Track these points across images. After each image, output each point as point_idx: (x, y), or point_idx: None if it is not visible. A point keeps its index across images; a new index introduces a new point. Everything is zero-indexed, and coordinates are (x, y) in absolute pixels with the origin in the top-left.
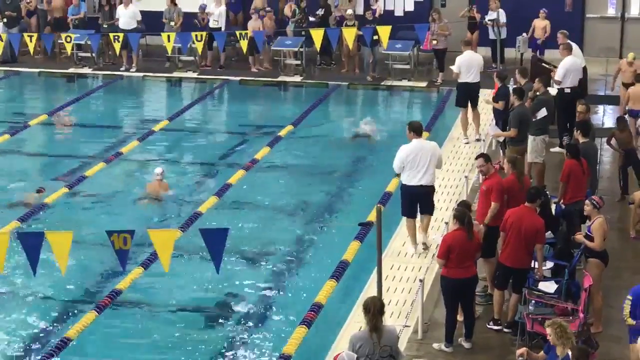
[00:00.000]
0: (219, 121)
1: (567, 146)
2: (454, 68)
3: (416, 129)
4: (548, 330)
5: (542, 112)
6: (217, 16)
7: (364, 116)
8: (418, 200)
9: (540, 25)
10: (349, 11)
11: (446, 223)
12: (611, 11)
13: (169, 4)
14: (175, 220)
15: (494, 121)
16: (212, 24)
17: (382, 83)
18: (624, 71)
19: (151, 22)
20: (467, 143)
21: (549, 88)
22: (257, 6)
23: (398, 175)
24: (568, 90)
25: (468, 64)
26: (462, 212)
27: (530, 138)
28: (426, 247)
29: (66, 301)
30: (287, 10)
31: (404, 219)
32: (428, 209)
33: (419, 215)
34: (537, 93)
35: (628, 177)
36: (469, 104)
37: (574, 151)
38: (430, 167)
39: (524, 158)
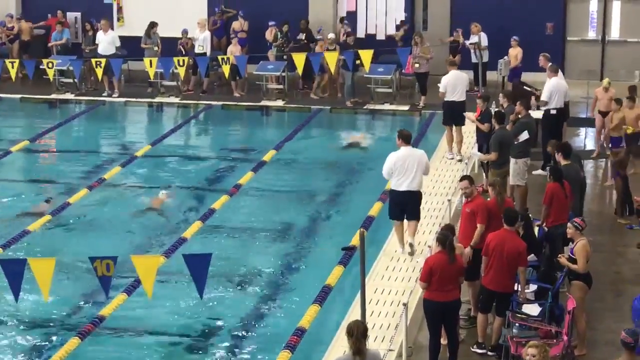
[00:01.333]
0: (202, 146)
1: (549, 169)
2: (440, 87)
3: (405, 137)
4: (531, 351)
5: (524, 135)
6: (202, 41)
7: (346, 140)
8: (405, 205)
9: (513, 53)
10: (330, 35)
11: (429, 246)
12: (592, 34)
13: (149, 29)
14: (159, 246)
15: (477, 145)
16: (197, 49)
17: (365, 107)
18: (600, 99)
19: (134, 47)
20: (452, 158)
21: (530, 111)
22: (235, 28)
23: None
24: (554, 112)
25: (453, 83)
26: (444, 235)
27: (512, 161)
28: (412, 252)
29: (49, 327)
30: (268, 35)
31: (392, 228)
32: (414, 214)
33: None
34: (519, 116)
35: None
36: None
37: (557, 174)
38: (417, 173)
39: (506, 181)
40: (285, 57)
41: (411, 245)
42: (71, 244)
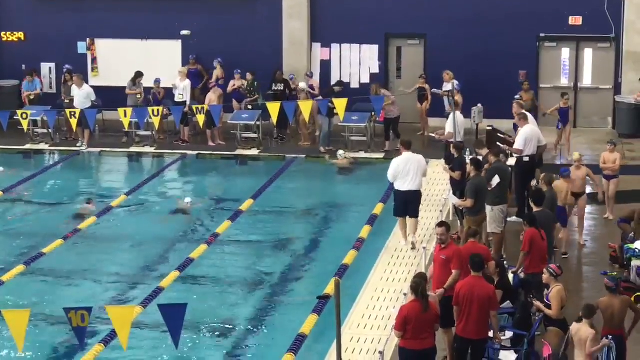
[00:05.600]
0: (178, 196)
1: (524, 215)
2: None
3: (406, 144)
4: None
5: (496, 180)
6: (182, 90)
7: (322, 188)
8: (408, 203)
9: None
10: (301, 84)
11: (405, 294)
12: (564, 81)
13: (136, 77)
14: (135, 296)
15: (452, 191)
16: (177, 98)
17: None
18: (573, 179)
19: (108, 97)
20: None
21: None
22: (218, 76)
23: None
24: (527, 159)
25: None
26: (417, 283)
27: (488, 208)
28: (414, 247)
29: None
30: (238, 84)
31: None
32: (414, 212)
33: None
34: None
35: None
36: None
37: (532, 219)
38: (418, 175)
39: (483, 228)
40: (254, 106)
41: (413, 243)
42: (46, 294)
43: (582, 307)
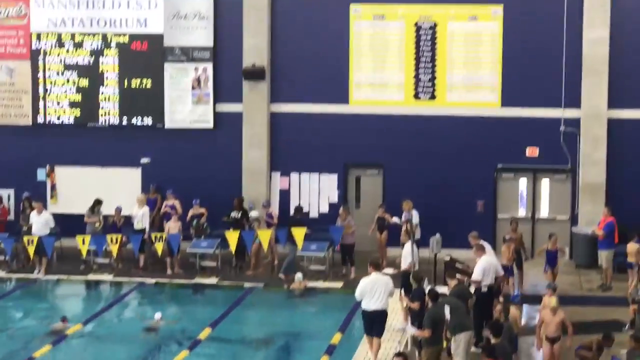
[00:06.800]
0: (135, 325)
1: (481, 346)
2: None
3: (374, 264)
4: None
5: (447, 311)
6: (141, 217)
7: (280, 317)
8: (374, 322)
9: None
10: (252, 214)
11: None
12: (522, 212)
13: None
14: None
15: (410, 320)
16: (136, 226)
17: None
18: (547, 323)
19: (67, 224)
20: None
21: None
22: (174, 206)
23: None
24: (485, 289)
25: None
26: None
27: (452, 339)
28: None
29: None
30: (189, 217)
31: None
32: (379, 332)
33: None
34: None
35: None
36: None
37: (490, 350)
38: (384, 295)
39: (439, 359)
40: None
41: None
42: None
43: None
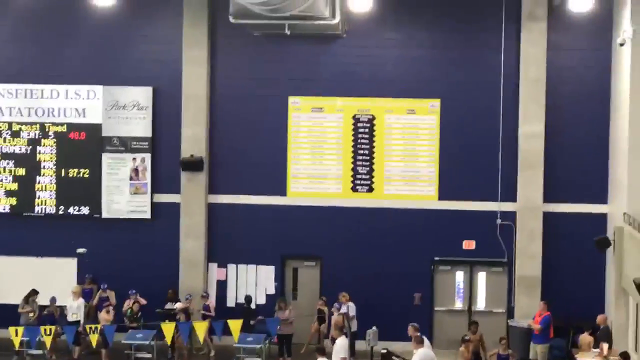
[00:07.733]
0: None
1: None
2: None
3: (320, 350)
4: None
5: None
6: (76, 309)
7: None
8: None
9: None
10: (177, 305)
11: None
12: (459, 304)
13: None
14: None
15: None
16: (70, 317)
17: None
18: None
19: (0, 314)
20: None
21: None
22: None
23: None
24: None
25: None
26: None
27: None
28: None
29: None
30: (125, 307)
31: None
32: None
33: None
34: None
35: None
36: None
37: None
38: None
39: None
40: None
41: None
42: None
43: None
